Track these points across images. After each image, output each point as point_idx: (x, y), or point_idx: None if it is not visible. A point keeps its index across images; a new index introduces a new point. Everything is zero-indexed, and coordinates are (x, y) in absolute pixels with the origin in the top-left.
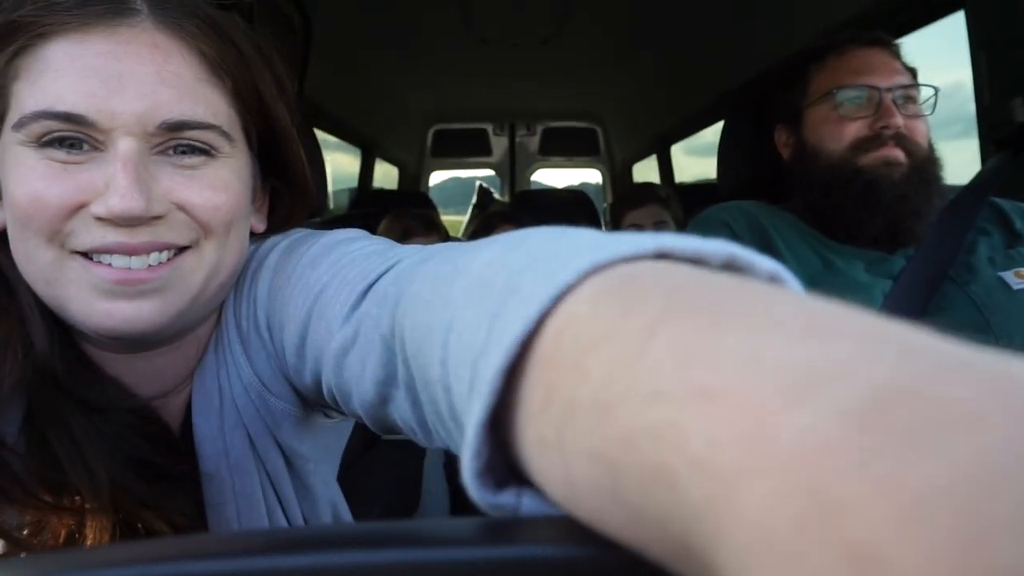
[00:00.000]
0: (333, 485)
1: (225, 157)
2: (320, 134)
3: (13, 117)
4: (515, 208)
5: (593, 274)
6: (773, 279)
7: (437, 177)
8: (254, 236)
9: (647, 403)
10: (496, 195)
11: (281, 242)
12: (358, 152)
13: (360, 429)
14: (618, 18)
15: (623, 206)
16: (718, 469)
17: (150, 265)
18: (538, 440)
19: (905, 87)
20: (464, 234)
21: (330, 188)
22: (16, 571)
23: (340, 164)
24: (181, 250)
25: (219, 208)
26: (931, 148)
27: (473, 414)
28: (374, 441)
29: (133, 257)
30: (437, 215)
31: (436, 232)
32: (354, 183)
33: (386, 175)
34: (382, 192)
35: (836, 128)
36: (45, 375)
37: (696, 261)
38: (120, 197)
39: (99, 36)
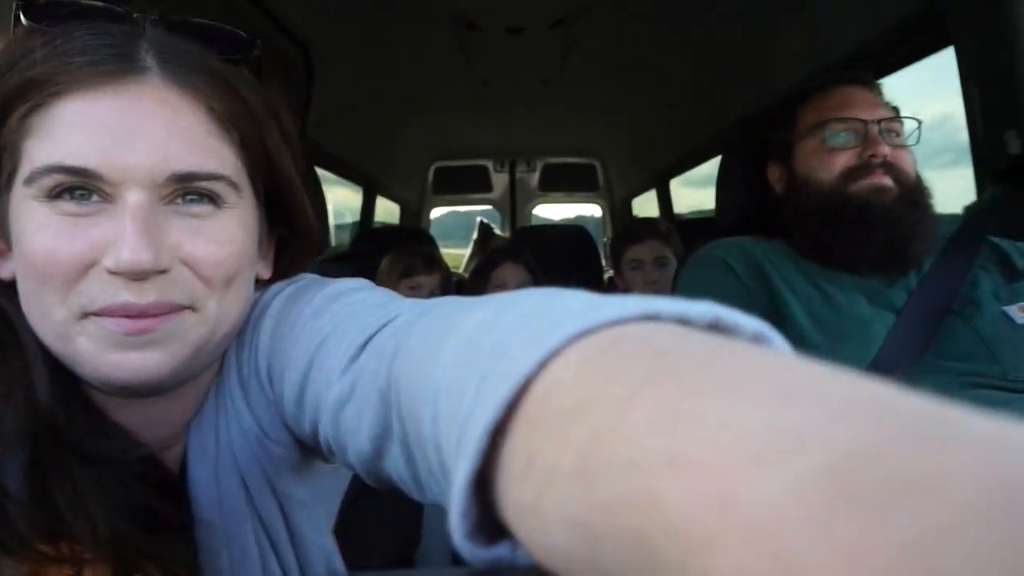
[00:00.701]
0: (327, 533)
1: (231, 207)
2: (322, 170)
3: (24, 172)
4: (515, 244)
5: (579, 339)
6: (758, 339)
7: (437, 212)
8: (260, 282)
9: (625, 471)
10: (496, 230)
11: (285, 289)
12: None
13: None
14: (616, 58)
15: (623, 242)
16: (691, 534)
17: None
18: (517, 504)
19: (888, 120)
20: (465, 269)
21: (331, 222)
22: None
23: (344, 196)
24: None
25: (222, 264)
26: (918, 177)
27: (459, 473)
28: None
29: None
30: (438, 252)
31: (438, 270)
32: (358, 215)
33: (388, 207)
34: (383, 229)
35: (826, 160)
36: (48, 424)
37: (682, 322)
38: (129, 250)
39: (110, 94)
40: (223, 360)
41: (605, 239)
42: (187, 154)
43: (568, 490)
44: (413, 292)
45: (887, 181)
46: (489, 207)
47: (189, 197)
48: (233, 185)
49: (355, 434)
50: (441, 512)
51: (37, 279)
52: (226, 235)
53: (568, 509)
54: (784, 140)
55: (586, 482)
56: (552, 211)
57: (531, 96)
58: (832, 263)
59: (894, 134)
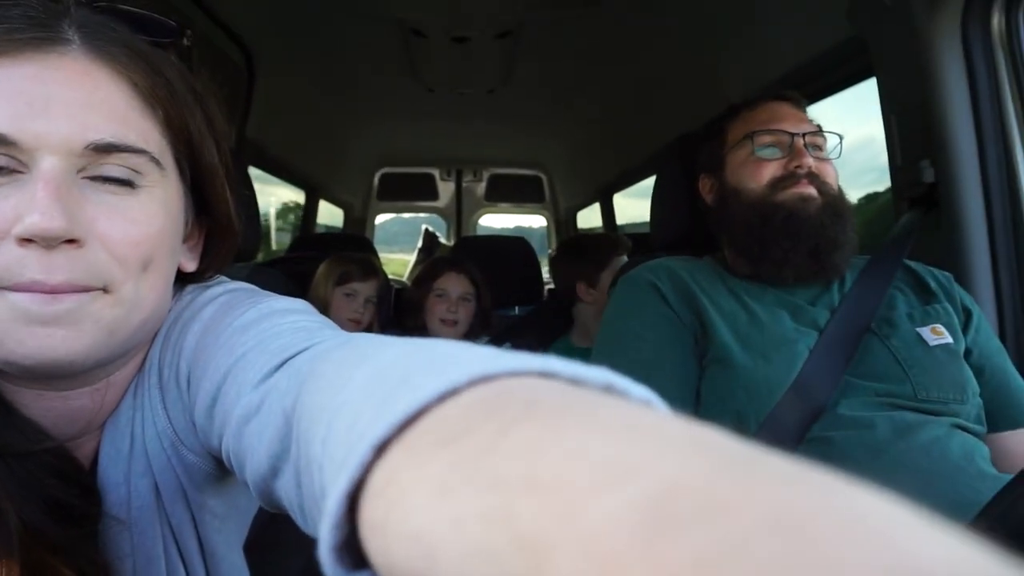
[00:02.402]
0: (238, 549)
1: (152, 187)
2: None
3: None
4: (458, 253)
5: (479, 382)
6: (646, 404)
7: (383, 218)
8: (189, 276)
9: (484, 490)
10: (442, 238)
11: (220, 297)
12: None
13: None
14: (561, 72)
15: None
16: (539, 544)
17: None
18: (370, 522)
19: (813, 133)
20: (410, 277)
21: (273, 227)
22: None
23: (291, 199)
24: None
25: (139, 244)
26: (840, 190)
27: (337, 485)
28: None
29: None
30: (378, 259)
31: (375, 276)
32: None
33: (335, 213)
34: (323, 235)
35: (754, 169)
36: None
37: (577, 382)
38: (40, 214)
39: (28, 62)
40: (144, 359)
41: (550, 251)
42: (106, 125)
43: (417, 505)
44: (348, 299)
45: (811, 191)
46: (435, 215)
47: (105, 178)
48: (155, 162)
49: (254, 451)
50: None
51: None
52: (145, 215)
53: (412, 524)
54: (715, 152)
55: (440, 498)
56: (498, 221)
57: (477, 106)
58: (759, 274)
59: (817, 148)
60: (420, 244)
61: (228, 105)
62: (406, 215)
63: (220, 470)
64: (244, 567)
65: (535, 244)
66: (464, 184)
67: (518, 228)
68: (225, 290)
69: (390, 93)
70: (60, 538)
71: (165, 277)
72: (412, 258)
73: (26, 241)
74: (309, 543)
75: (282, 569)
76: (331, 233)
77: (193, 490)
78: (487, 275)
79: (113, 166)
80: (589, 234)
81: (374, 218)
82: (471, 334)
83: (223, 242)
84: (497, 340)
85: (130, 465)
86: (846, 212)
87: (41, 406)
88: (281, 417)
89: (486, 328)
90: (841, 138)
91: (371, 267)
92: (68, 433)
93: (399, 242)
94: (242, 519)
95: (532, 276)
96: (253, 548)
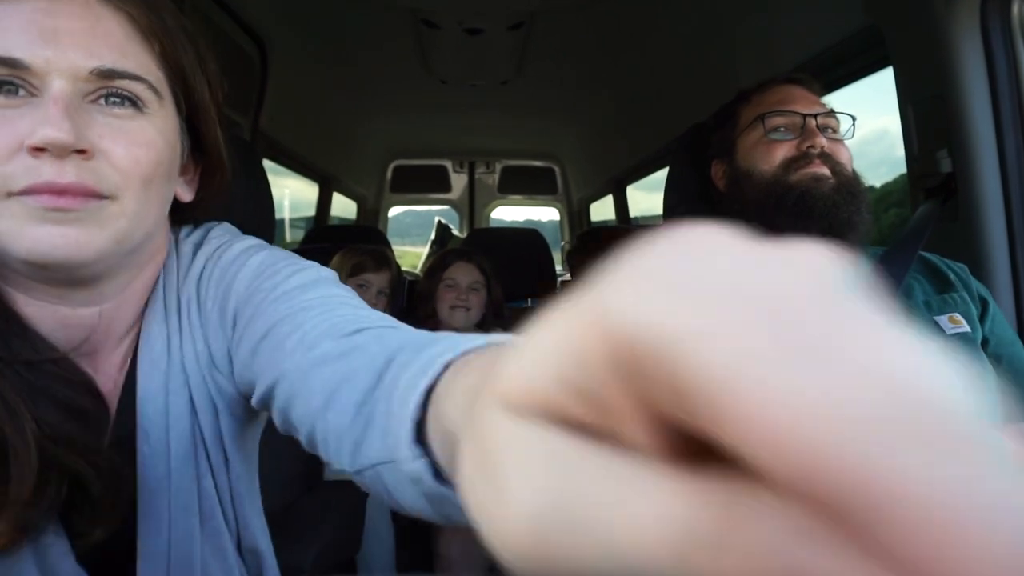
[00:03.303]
0: (258, 512)
1: (152, 114)
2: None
3: None
4: (470, 245)
5: (453, 360)
6: None
7: (397, 210)
8: (187, 209)
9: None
10: (455, 230)
11: (259, 250)
12: None
13: (302, 469)
14: (575, 62)
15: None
16: None
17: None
18: (432, 409)
19: (825, 114)
20: (422, 269)
21: (288, 218)
22: None
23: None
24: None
25: (139, 161)
26: (855, 171)
27: (422, 380)
28: (316, 481)
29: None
30: (391, 251)
31: (387, 268)
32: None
33: (349, 206)
34: (336, 227)
35: (766, 151)
36: None
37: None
38: (51, 127)
39: None
40: (160, 286)
41: (563, 243)
42: (108, 52)
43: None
44: (361, 290)
45: (824, 171)
46: (448, 207)
47: (112, 99)
48: (154, 90)
49: (327, 390)
50: (383, 515)
51: None
52: (144, 138)
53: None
54: (727, 137)
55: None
56: (508, 215)
57: (490, 97)
58: None
59: (830, 129)
60: (433, 236)
61: (242, 97)
62: (419, 208)
63: (245, 410)
64: (266, 533)
65: (547, 237)
66: (477, 176)
67: (528, 221)
68: (258, 243)
69: (403, 85)
70: (75, 438)
71: (162, 199)
72: (425, 250)
73: (39, 151)
74: (323, 534)
75: (296, 559)
76: (344, 225)
77: (224, 420)
78: (500, 267)
79: (117, 89)
80: (608, 227)
81: (387, 210)
82: (484, 325)
83: (215, 176)
84: (509, 333)
85: (167, 377)
86: (861, 193)
87: (55, 319)
88: (382, 359)
89: (499, 319)
90: (854, 119)
91: (384, 259)
92: (81, 347)
93: (411, 235)
94: (255, 486)
95: (545, 268)
96: (282, 527)
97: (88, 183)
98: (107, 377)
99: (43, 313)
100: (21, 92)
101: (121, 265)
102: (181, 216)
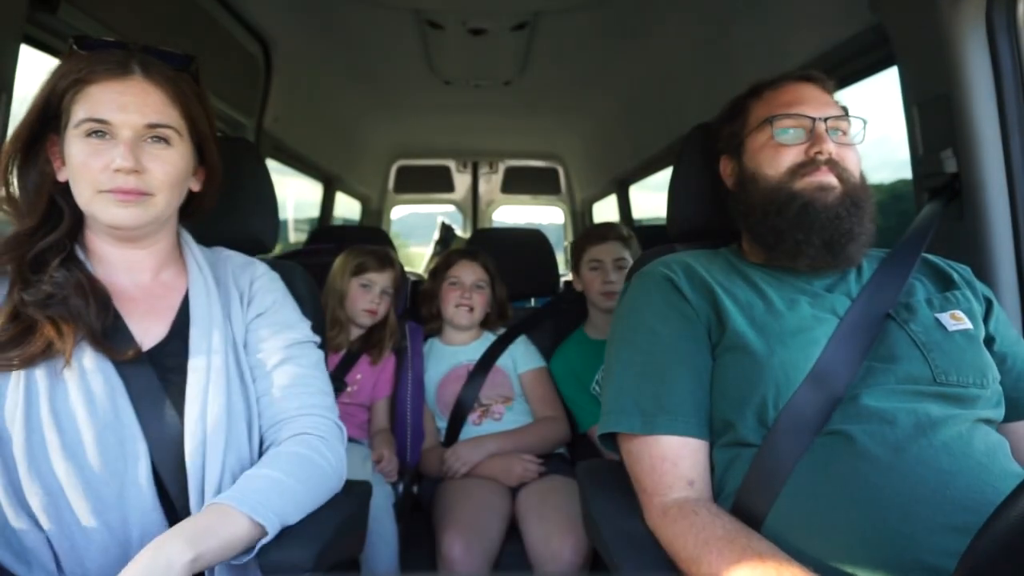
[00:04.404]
0: None
1: (176, 147)
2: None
3: (74, 121)
4: (473, 246)
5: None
6: None
7: (402, 211)
8: (199, 198)
9: None
10: (458, 231)
11: (276, 280)
12: None
13: None
14: (578, 63)
15: (585, 242)
16: None
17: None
18: None
19: (836, 118)
20: (426, 269)
21: (291, 218)
22: None
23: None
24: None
25: (169, 175)
26: (862, 177)
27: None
28: None
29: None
30: (394, 251)
31: (390, 268)
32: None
33: (354, 208)
34: (340, 227)
35: (773, 155)
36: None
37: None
38: (122, 158)
39: (115, 82)
40: (183, 250)
41: (566, 243)
42: (153, 113)
43: None
44: (364, 290)
45: (831, 179)
46: (451, 208)
47: (154, 138)
48: (178, 133)
49: (271, 394)
50: (387, 515)
51: (81, 176)
52: (172, 161)
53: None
54: (736, 134)
55: None
56: (510, 218)
57: (494, 98)
58: (775, 261)
59: (841, 132)
60: (436, 236)
61: (246, 98)
62: (423, 209)
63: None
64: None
65: (551, 238)
66: (480, 176)
67: (529, 224)
68: (272, 274)
69: (407, 86)
70: (95, 322)
71: (180, 193)
72: (428, 251)
73: (117, 171)
74: (326, 533)
75: (299, 558)
76: (348, 225)
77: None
78: (503, 267)
79: (157, 134)
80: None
81: (391, 210)
82: (488, 325)
83: (214, 176)
84: (513, 332)
85: (208, 298)
86: (865, 202)
87: (124, 257)
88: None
89: (502, 319)
90: (865, 123)
91: (387, 258)
92: (142, 271)
93: (416, 236)
94: None
95: (548, 268)
96: (288, 526)
97: (141, 187)
98: (173, 293)
99: (114, 251)
100: (107, 136)
101: (155, 229)
102: (195, 205)
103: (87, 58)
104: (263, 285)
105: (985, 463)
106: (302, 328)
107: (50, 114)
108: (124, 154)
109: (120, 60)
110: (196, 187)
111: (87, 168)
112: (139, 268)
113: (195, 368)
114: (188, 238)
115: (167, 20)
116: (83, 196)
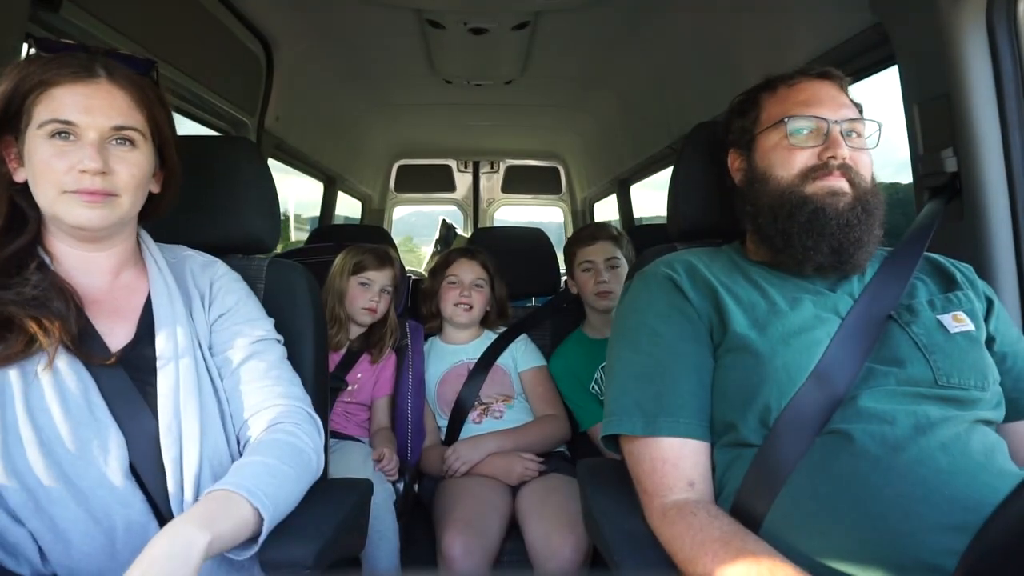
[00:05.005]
0: None
1: (140, 149)
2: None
3: (36, 123)
4: (474, 244)
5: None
6: None
7: (404, 211)
8: (157, 202)
9: None
10: (459, 230)
11: (237, 281)
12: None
13: None
14: (579, 62)
15: (576, 244)
16: None
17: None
18: None
19: (851, 120)
20: (427, 268)
21: (292, 217)
22: None
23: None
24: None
25: (133, 176)
26: (873, 181)
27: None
28: (320, 479)
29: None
30: (395, 250)
31: (390, 266)
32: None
33: (355, 207)
34: (341, 226)
35: (786, 156)
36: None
37: None
38: (89, 160)
39: (80, 86)
40: (142, 251)
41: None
42: (119, 116)
43: None
44: (364, 288)
45: (843, 184)
46: (452, 207)
47: (119, 140)
48: (142, 135)
49: (238, 390)
50: (388, 513)
51: (43, 177)
52: (136, 162)
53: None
54: (747, 128)
55: None
56: (511, 218)
57: (495, 97)
58: (779, 263)
59: (856, 134)
60: (437, 235)
61: (247, 98)
62: (425, 209)
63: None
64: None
65: (552, 237)
66: (481, 175)
67: (531, 224)
68: (233, 274)
69: (408, 85)
70: (70, 321)
71: (143, 194)
72: (429, 249)
73: (83, 172)
74: (326, 532)
75: (300, 556)
76: (349, 224)
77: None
78: (504, 266)
79: (123, 136)
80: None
81: (392, 210)
82: (488, 323)
83: (173, 178)
84: (513, 330)
85: (171, 300)
86: (876, 208)
87: (84, 258)
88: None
89: (502, 318)
90: (880, 126)
91: (386, 257)
92: (103, 273)
93: (419, 234)
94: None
95: (549, 267)
96: (288, 522)
97: (107, 189)
98: (135, 295)
99: (74, 252)
100: (71, 138)
101: (119, 230)
102: (153, 206)
103: (50, 60)
104: (224, 286)
105: (983, 463)
106: (264, 326)
107: (9, 115)
108: (92, 155)
109: (84, 63)
110: (156, 189)
111: (51, 169)
112: (99, 270)
113: (164, 368)
114: (147, 239)
115: (169, 19)
116: (46, 197)
